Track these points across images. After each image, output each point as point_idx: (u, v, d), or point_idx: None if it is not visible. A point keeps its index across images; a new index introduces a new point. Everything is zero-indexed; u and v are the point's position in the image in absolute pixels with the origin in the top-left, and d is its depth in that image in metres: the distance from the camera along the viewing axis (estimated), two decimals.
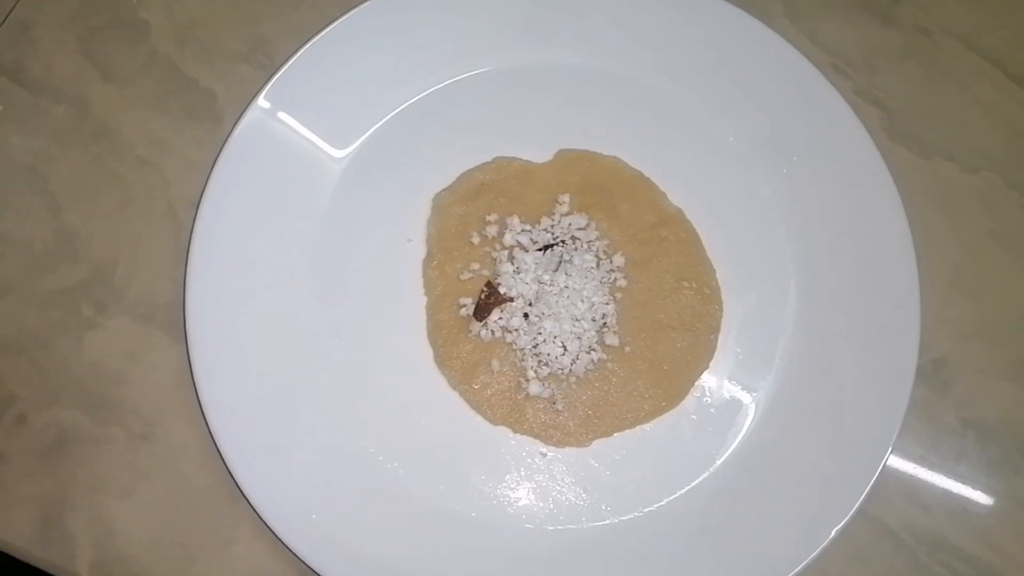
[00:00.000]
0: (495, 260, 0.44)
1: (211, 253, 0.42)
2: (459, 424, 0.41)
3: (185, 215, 0.45)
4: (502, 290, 0.42)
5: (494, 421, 0.41)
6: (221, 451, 0.40)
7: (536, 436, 0.42)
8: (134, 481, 0.42)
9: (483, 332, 0.42)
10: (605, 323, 0.43)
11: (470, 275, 0.43)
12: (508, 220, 0.44)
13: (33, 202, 0.46)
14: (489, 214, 0.44)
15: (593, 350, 0.43)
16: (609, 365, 0.43)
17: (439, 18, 0.46)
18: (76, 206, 0.46)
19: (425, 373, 0.42)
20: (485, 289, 0.43)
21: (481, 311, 0.42)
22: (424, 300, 0.44)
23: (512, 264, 0.43)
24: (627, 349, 0.43)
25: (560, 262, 0.43)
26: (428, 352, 0.43)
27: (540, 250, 0.43)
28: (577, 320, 0.42)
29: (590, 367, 0.43)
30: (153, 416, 0.43)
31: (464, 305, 0.43)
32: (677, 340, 0.43)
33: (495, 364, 0.42)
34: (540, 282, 0.42)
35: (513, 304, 0.42)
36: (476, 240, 0.44)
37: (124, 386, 0.43)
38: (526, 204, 0.44)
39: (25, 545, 0.41)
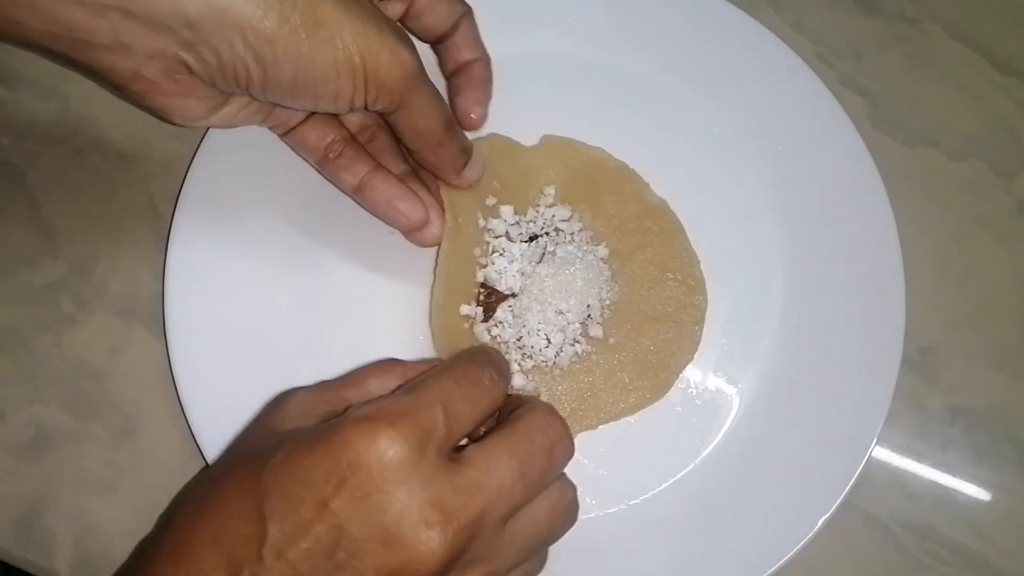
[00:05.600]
0: (489, 250, 0.43)
1: (191, 247, 0.42)
2: None
3: (166, 209, 0.45)
4: (501, 288, 0.42)
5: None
6: (201, 447, 0.39)
7: None
8: (115, 478, 0.42)
9: (492, 331, 0.42)
10: (589, 315, 0.43)
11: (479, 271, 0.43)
12: (502, 208, 0.43)
13: (11, 197, 0.46)
14: (488, 198, 0.44)
15: (577, 342, 0.42)
16: (593, 357, 0.42)
17: None
18: (55, 201, 0.46)
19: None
20: (482, 290, 0.42)
21: (486, 312, 0.42)
22: (408, 290, 0.43)
23: (504, 257, 0.42)
24: (611, 341, 0.43)
25: (544, 253, 0.42)
26: (412, 346, 0.43)
27: (526, 242, 0.43)
28: (561, 312, 0.41)
29: (574, 359, 0.42)
30: (134, 412, 0.42)
31: (467, 313, 0.42)
32: (662, 331, 0.43)
33: None
34: (523, 274, 0.42)
35: (512, 299, 0.42)
36: (481, 223, 0.43)
37: (105, 382, 0.43)
38: (512, 191, 0.44)
39: (3, 544, 0.41)
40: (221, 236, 0.43)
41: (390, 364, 0.37)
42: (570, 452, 0.33)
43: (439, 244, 0.42)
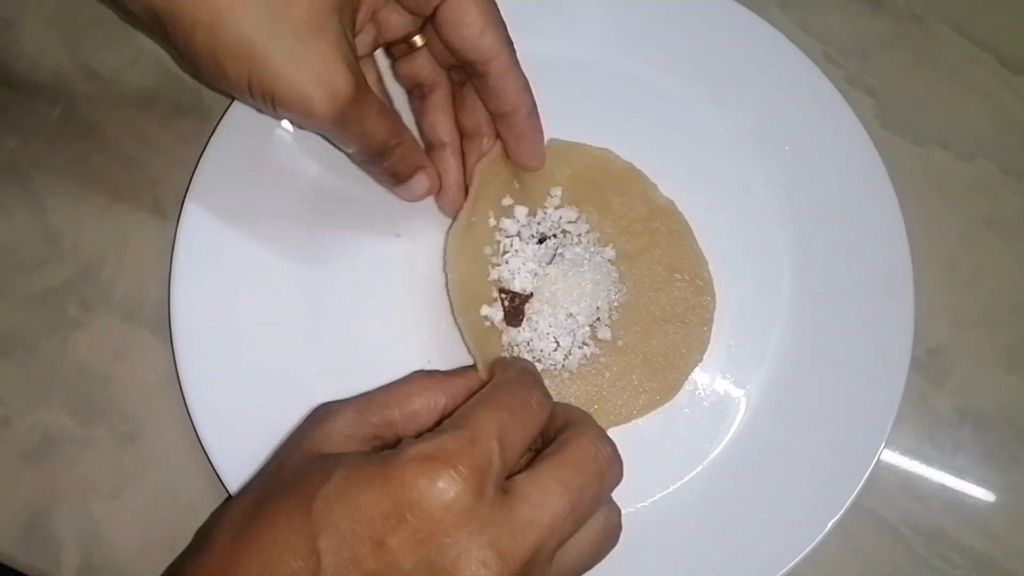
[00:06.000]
0: (500, 249, 0.43)
1: (197, 250, 0.42)
2: None
3: (172, 212, 0.45)
4: (516, 288, 0.41)
5: None
6: (207, 451, 0.39)
7: None
8: (121, 483, 0.41)
9: (519, 336, 0.41)
10: (598, 317, 0.42)
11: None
12: (517, 209, 0.43)
13: (17, 202, 0.46)
14: (505, 198, 0.43)
15: (586, 344, 0.42)
16: (602, 359, 0.42)
17: None
18: (61, 205, 0.46)
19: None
20: (503, 295, 0.42)
21: (513, 317, 0.41)
22: (416, 292, 0.43)
23: (517, 258, 0.42)
24: (620, 343, 0.42)
25: (554, 255, 0.42)
26: (421, 351, 0.42)
27: (538, 243, 0.43)
28: (571, 315, 0.41)
29: (583, 362, 0.42)
30: (140, 417, 0.42)
31: (486, 314, 0.42)
32: (670, 332, 0.43)
33: None
34: (535, 275, 0.42)
35: (531, 299, 0.42)
36: (492, 222, 0.43)
37: (110, 386, 0.43)
38: (525, 192, 0.44)
39: (9, 549, 0.40)
40: (227, 239, 0.43)
41: (431, 380, 0.36)
42: (620, 475, 0.33)
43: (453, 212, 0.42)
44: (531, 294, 0.42)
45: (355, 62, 0.36)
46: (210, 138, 0.43)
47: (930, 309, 0.44)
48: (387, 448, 0.34)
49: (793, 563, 0.39)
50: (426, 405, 0.35)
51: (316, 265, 0.43)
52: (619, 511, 0.34)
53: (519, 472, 0.31)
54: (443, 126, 0.42)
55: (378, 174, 0.41)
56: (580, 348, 0.42)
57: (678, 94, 0.46)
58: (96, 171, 0.46)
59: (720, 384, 0.42)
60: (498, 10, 0.38)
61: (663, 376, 0.42)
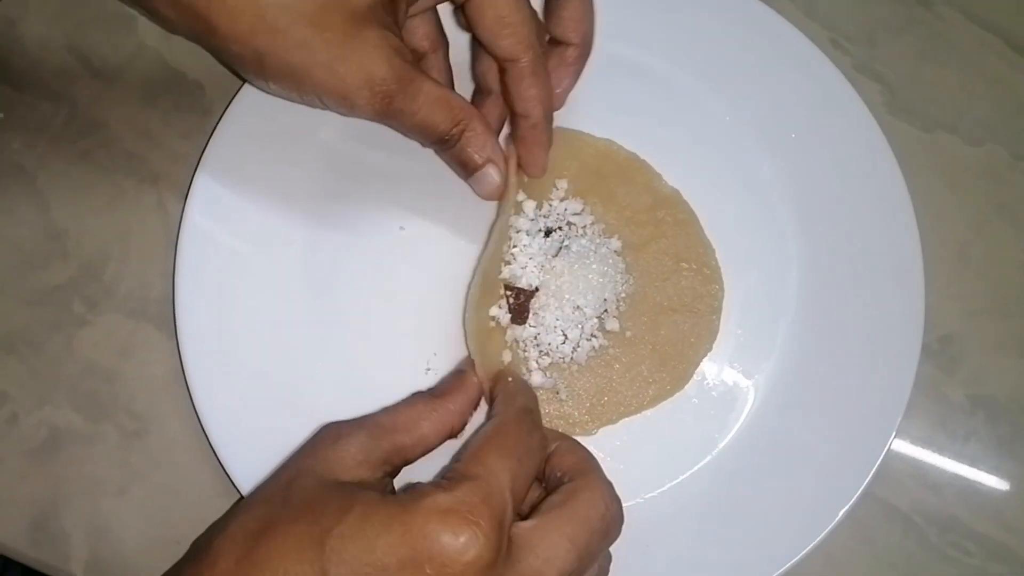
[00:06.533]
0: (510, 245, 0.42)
1: (201, 246, 0.42)
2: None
3: (174, 208, 0.45)
4: (523, 284, 0.41)
5: None
6: (214, 447, 0.39)
7: None
8: (128, 479, 0.41)
9: (525, 332, 0.41)
10: (605, 309, 0.42)
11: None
12: (525, 204, 0.43)
13: (21, 200, 0.46)
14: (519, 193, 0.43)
15: (594, 336, 0.42)
16: (611, 351, 0.42)
17: None
18: (65, 203, 0.46)
19: (424, 367, 0.42)
20: (509, 292, 0.41)
21: (518, 315, 0.41)
22: (421, 290, 0.43)
23: (524, 253, 0.42)
24: (628, 334, 0.42)
25: (560, 248, 0.42)
26: (426, 345, 0.42)
27: (544, 236, 0.42)
28: (579, 308, 0.41)
29: (592, 354, 0.42)
30: (146, 413, 0.42)
31: (494, 314, 0.41)
32: (679, 322, 0.42)
33: (506, 356, 0.41)
34: (542, 269, 0.42)
35: (538, 294, 0.41)
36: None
37: (116, 383, 0.43)
38: (532, 185, 0.43)
39: (18, 545, 0.41)
40: (230, 234, 0.42)
41: (436, 402, 0.36)
42: (620, 530, 0.34)
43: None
44: (536, 289, 0.41)
45: (399, 59, 0.36)
46: (212, 134, 0.43)
47: (941, 296, 0.44)
48: (395, 471, 0.35)
49: (804, 553, 0.38)
50: (434, 429, 0.36)
51: (320, 259, 0.43)
52: (611, 557, 0.35)
53: (524, 518, 0.32)
54: (493, 74, 0.42)
55: (450, 164, 0.41)
56: (588, 340, 0.42)
57: (682, 82, 0.46)
58: (99, 168, 0.46)
59: (728, 374, 0.42)
60: (525, 13, 0.38)
61: (672, 366, 0.42)
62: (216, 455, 0.39)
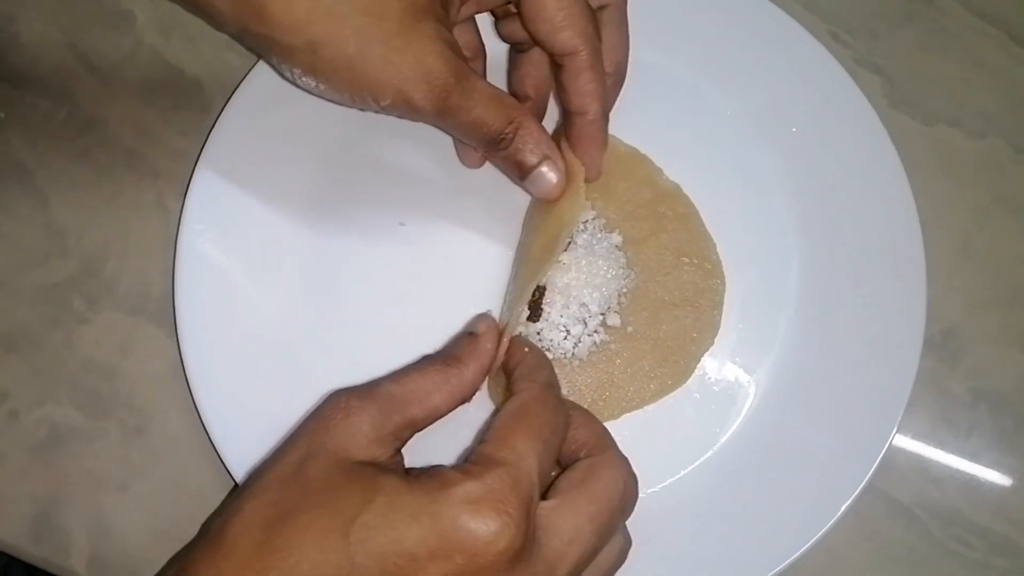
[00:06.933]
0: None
1: (200, 242, 0.42)
2: (462, 412, 0.40)
3: (174, 205, 0.45)
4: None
5: (495, 403, 0.40)
6: (215, 443, 0.39)
7: None
8: (129, 476, 0.41)
9: (529, 328, 0.41)
10: (609, 305, 0.42)
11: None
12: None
13: (21, 197, 0.45)
14: None
15: (596, 332, 0.42)
16: (612, 346, 0.42)
17: None
18: (64, 200, 0.45)
19: None
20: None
21: (535, 312, 0.41)
22: (420, 285, 0.43)
23: None
24: (629, 329, 0.42)
25: (570, 242, 0.42)
26: (427, 340, 0.42)
27: None
28: (584, 304, 0.41)
29: (593, 349, 0.42)
30: (147, 409, 0.42)
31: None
32: (680, 317, 0.42)
33: None
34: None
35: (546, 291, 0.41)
36: None
37: (116, 380, 0.43)
38: None
39: (20, 543, 0.41)
40: (230, 231, 0.42)
41: (448, 371, 0.35)
42: (635, 506, 0.34)
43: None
44: (544, 286, 0.41)
45: (453, 54, 0.36)
46: (211, 131, 0.43)
47: (943, 290, 0.44)
48: (403, 444, 0.34)
49: (806, 547, 0.38)
50: (446, 400, 0.35)
51: (319, 256, 0.43)
52: (629, 536, 0.35)
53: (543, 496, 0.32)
54: (531, 80, 0.41)
55: (503, 166, 0.40)
56: (590, 336, 0.42)
57: (682, 76, 0.46)
58: (98, 165, 0.46)
59: (730, 368, 0.42)
60: (584, 5, 0.37)
61: (674, 361, 0.42)
62: (217, 451, 0.39)
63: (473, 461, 0.31)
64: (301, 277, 0.43)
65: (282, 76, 0.38)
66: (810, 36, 0.45)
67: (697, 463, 0.41)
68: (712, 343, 0.42)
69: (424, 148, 0.44)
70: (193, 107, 0.47)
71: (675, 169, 0.44)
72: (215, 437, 0.39)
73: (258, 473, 0.32)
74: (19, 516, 0.41)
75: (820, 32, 0.46)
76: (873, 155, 0.43)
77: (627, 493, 0.33)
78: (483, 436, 0.32)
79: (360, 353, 0.42)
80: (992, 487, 0.42)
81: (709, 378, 0.42)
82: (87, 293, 0.44)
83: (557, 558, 0.30)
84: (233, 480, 0.39)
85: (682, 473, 0.40)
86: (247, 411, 0.40)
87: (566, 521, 0.31)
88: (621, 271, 0.42)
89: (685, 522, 0.39)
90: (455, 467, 0.31)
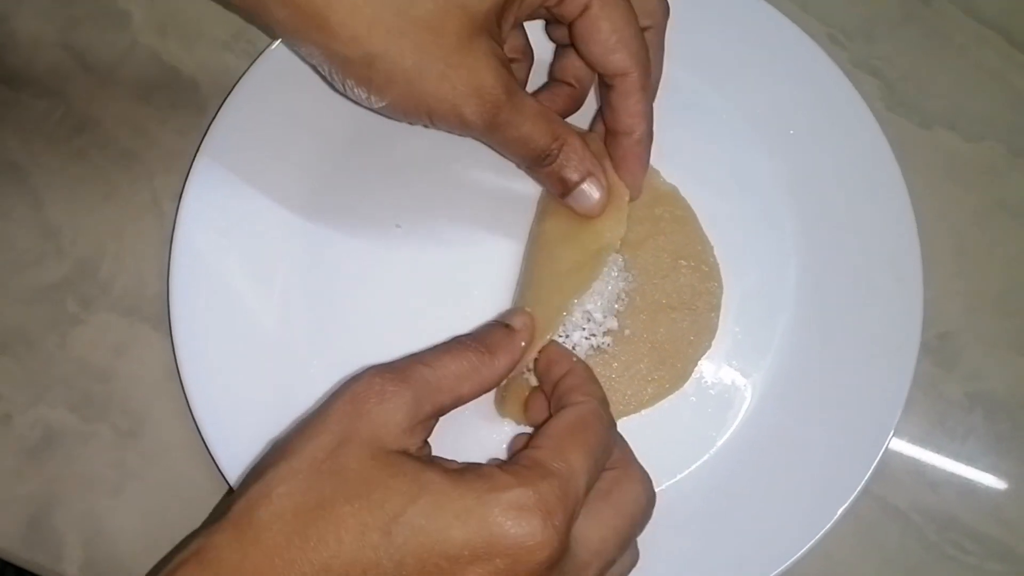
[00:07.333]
0: None
1: (195, 244, 0.42)
2: (459, 416, 0.40)
3: (169, 206, 0.45)
4: None
5: (501, 413, 0.40)
6: (209, 446, 0.39)
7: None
8: (122, 478, 0.41)
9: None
10: (609, 309, 0.42)
11: None
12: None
13: (15, 198, 0.45)
14: None
15: (593, 335, 0.42)
16: (609, 349, 0.42)
17: None
18: (59, 201, 0.45)
19: None
20: None
21: None
22: (417, 285, 0.43)
23: None
24: (627, 332, 0.42)
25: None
26: (422, 342, 0.42)
27: None
28: (587, 311, 0.41)
29: (590, 353, 0.42)
30: (141, 412, 0.42)
31: None
32: (678, 320, 0.42)
33: None
34: None
35: None
36: None
37: (110, 382, 0.43)
38: None
39: (12, 546, 0.40)
40: (225, 232, 0.42)
41: (481, 359, 0.35)
42: (650, 519, 0.35)
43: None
44: None
45: (505, 71, 0.36)
46: (207, 131, 0.43)
47: (940, 293, 0.44)
48: (429, 433, 0.34)
49: (802, 551, 0.38)
50: (474, 391, 0.34)
51: (316, 257, 0.43)
52: (637, 550, 0.35)
53: None
54: (573, 71, 0.41)
55: (546, 182, 0.40)
56: (587, 339, 0.41)
57: (678, 78, 0.45)
58: (93, 166, 0.46)
59: (726, 372, 0.42)
60: (636, 28, 0.37)
61: (671, 364, 0.42)
62: (211, 454, 0.39)
63: (525, 465, 0.31)
64: (297, 279, 0.42)
65: (332, 87, 0.38)
66: (808, 38, 0.45)
67: (693, 467, 0.41)
68: (710, 346, 0.42)
69: (420, 151, 0.44)
70: (189, 107, 0.47)
71: (672, 171, 0.44)
72: (209, 440, 0.39)
73: (285, 452, 0.31)
74: (11, 519, 0.41)
75: (818, 34, 0.46)
76: (870, 158, 0.43)
77: (647, 509, 0.34)
78: (534, 440, 0.32)
79: (356, 356, 0.41)
80: (988, 491, 0.42)
81: (706, 381, 0.42)
82: (81, 294, 0.44)
83: (583, 568, 0.31)
84: (227, 483, 0.39)
85: (678, 477, 0.40)
86: (241, 413, 0.40)
87: (595, 533, 0.32)
88: (618, 274, 0.42)
89: (681, 526, 0.39)
90: (503, 468, 0.31)
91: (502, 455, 0.40)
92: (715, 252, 0.43)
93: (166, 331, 0.42)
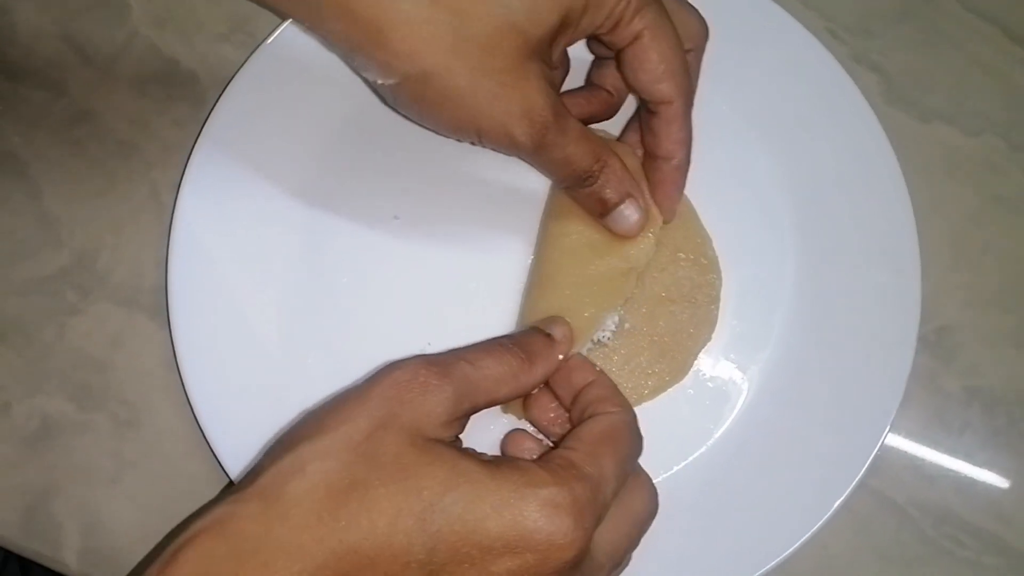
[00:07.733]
0: None
1: (193, 234, 0.42)
2: None
3: (168, 198, 0.45)
4: None
5: (503, 409, 0.40)
6: (207, 436, 0.39)
7: None
8: (120, 468, 0.41)
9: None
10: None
11: None
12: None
13: (13, 189, 0.45)
14: None
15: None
16: (610, 343, 0.42)
17: None
18: (58, 191, 0.45)
19: None
20: None
21: None
22: (415, 280, 0.43)
23: None
24: (627, 325, 0.42)
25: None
26: (420, 335, 0.42)
27: None
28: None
29: (590, 346, 0.42)
30: (138, 402, 0.42)
31: None
32: (677, 313, 0.42)
33: None
34: None
35: None
36: None
37: (108, 372, 0.43)
38: None
39: (10, 535, 0.40)
40: (223, 223, 0.42)
41: (522, 369, 0.35)
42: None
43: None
44: None
45: (554, 93, 0.36)
46: (206, 123, 0.43)
47: (938, 287, 0.44)
48: (462, 429, 0.34)
49: (799, 543, 0.38)
50: (508, 395, 0.35)
51: (313, 249, 0.43)
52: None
53: None
54: (611, 80, 0.41)
55: (587, 202, 0.40)
56: None
57: None
58: (92, 157, 0.46)
59: (724, 365, 0.42)
60: (683, 58, 0.38)
61: (671, 357, 0.42)
62: (209, 444, 0.39)
63: (559, 464, 0.31)
64: (295, 269, 0.42)
65: (382, 100, 0.38)
66: (807, 33, 0.45)
67: (690, 459, 0.41)
68: (709, 339, 0.42)
69: (418, 142, 0.44)
70: (188, 99, 0.47)
71: None
72: (207, 430, 0.39)
73: (320, 428, 0.31)
74: (10, 509, 0.41)
75: (817, 29, 0.46)
76: (869, 152, 0.43)
77: (654, 514, 0.35)
78: (568, 442, 0.33)
79: (354, 347, 0.42)
80: (985, 486, 0.42)
81: (703, 374, 0.42)
82: (80, 285, 0.44)
83: (597, 569, 0.32)
84: (226, 474, 0.39)
85: (675, 469, 0.40)
86: (240, 404, 0.40)
87: (609, 537, 0.32)
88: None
89: (678, 519, 0.39)
90: (538, 464, 0.31)
91: (495, 450, 0.40)
92: (714, 245, 0.43)
93: (164, 322, 0.42)
